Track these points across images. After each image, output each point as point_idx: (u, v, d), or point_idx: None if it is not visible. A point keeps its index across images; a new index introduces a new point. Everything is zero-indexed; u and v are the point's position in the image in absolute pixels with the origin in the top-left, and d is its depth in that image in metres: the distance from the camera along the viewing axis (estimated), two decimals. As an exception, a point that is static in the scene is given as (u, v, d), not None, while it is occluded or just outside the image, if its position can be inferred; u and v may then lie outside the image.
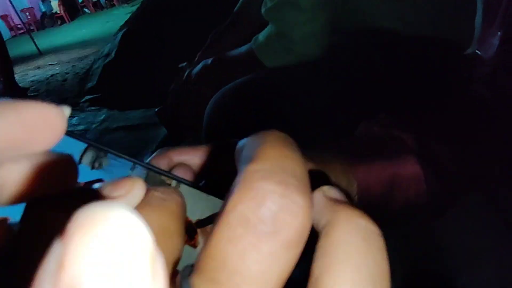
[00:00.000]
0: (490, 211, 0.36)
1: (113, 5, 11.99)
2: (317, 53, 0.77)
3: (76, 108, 3.48)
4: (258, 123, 0.77)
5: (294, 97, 0.79)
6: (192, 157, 0.27)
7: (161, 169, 0.25)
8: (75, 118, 2.74)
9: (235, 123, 0.77)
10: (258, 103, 0.77)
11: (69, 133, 0.24)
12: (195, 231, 0.24)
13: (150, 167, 0.25)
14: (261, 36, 0.81)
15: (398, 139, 0.31)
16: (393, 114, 0.35)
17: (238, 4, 1.16)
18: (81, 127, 2.51)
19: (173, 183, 0.25)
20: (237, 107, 0.77)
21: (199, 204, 0.25)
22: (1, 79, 1.91)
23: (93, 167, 0.24)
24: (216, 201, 0.25)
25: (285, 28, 0.76)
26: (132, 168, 0.24)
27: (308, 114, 0.82)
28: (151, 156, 0.27)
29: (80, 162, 0.23)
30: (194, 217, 0.24)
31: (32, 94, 4.62)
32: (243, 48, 0.87)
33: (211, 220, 0.24)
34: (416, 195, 0.30)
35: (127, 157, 0.24)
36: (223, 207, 0.12)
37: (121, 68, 3.75)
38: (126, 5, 11.54)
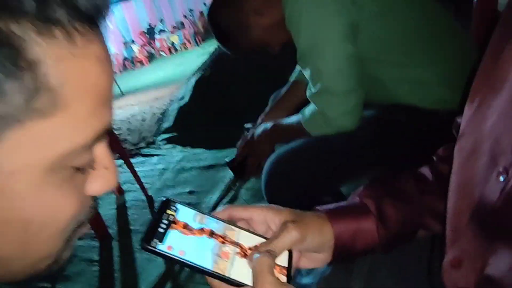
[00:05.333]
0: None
1: (186, 48, 13.05)
2: (350, 126, 1.02)
3: (153, 146, 3.95)
4: (305, 180, 1.03)
5: (333, 158, 1.04)
6: (245, 214, 0.53)
7: (235, 224, 0.52)
8: (155, 158, 3.16)
9: (288, 179, 1.03)
10: (306, 163, 1.03)
11: (185, 204, 0.52)
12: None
13: (230, 223, 0.52)
14: (307, 111, 1.08)
15: (364, 205, 0.55)
16: (366, 187, 0.59)
17: (293, 74, 1.45)
18: (160, 166, 2.90)
19: (236, 229, 0.52)
20: (288, 167, 1.04)
21: (254, 242, 0.51)
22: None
23: (195, 221, 0.51)
24: (261, 239, 0.52)
25: (324, 109, 1.01)
26: (217, 223, 0.52)
27: (344, 172, 1.07)
28: (218, 210, 0.54)
29: (200, 222, 0.50)
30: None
31: (116, 133, 5.24)
32: (294, 119, 1.14)
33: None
34: (371, 242, 0.53)
35: (221, 219, 0.52)
36: None
37: (194, 111, 4.18)
38: (197, 47, 12.55)
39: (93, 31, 0.28)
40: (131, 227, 2.21)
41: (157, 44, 13.78)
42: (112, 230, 2.26)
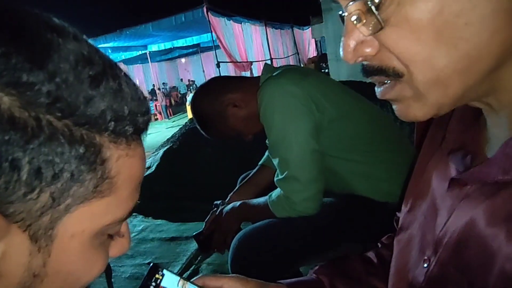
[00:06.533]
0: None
1: (156, 119, 13.30)
2: (311, 211, 1.15)
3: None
4: (269, 258, 1.12)
5: (295, 240, 1.15)
6: (216, 283, 0.62)
7: None
8: (116, 226, 3.13)
9: (253, 257, 1.12)
10: (270, 243, 1.14)
11: (170, 271, 0.61)
12: None
13: None
14: (274, 194, 1.20)
15: (320, 280, 0.66)
16: (323, 265, 0.70)
17: (263, 158, 1.59)
18: (121, 235, 2.88)
19: None
20: (254, 245, 1.13)
21: None
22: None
23: (178, 285, 0.60)
24: None
25: (289, 194, 1.14)
26: None
27: (304, 253, 1.18)
28: (195, 278, 0.62)
29: None
30: None
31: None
32: (261, 200, 1.25)
33: None
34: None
35: (200, 286, 0.61)
36: None
37: (160, 182, 4.21)
38: (167, 120, 12.83)
39: (139, 138, 0.40)
40: (85, 297, 2.15)
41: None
42: (64, 299, 2.18)
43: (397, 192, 1.21)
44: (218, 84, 1.37)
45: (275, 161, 1.19)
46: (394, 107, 0.47)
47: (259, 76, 1.34)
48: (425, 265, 0.54)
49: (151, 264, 0.61)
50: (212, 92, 1.33)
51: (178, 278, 0.61)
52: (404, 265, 0.60)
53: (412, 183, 0.65)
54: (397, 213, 0.76)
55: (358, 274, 0.69)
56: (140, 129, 0.38)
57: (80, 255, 0.37)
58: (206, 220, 1.45)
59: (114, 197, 0.37)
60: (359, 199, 1.22)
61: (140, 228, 2.94)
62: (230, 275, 0.63)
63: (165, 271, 0.60)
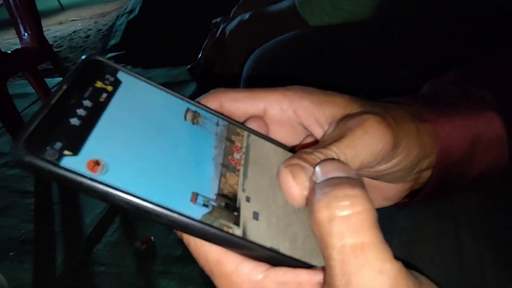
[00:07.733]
0: None
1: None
2: (365, 12, 0.74)
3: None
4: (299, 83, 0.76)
5: (338, 56, 0.77)
6: (251, 106, 0.27)
7: (239, 123, 0.27)
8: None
9: (276, 83, 0.75)
10: (300, 62, 0.75)
11: (171, 92, 0.27)
12: None
13: (233, 121, 0.27)
14: (305, -8, 0.78)
15: (476, 96, 0.29)
16: (464, 71, 0.33)
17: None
18: (106, 84, 2.52)
19: (245, 133, 0.27)
20: (278, 66, 0.75)
21: (267, 153, 0.26)
22: (29, 32, 1.91)
23: (193, 123, 0.25)
24: (279, 151, 0.27)
25: (333, -18, 0.72)
26: (217, 124, 0.26)
27: (354, 75, 0.80)
28: (202, 96, 0.28)
29: (185, 119, 0.25)
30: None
31: (55, 50, 4.64)
32: (285, 4, 0.84)
33: None
34: (497, 159, 0.28)
35: (215, 112, 0.27)
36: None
37: (145, 25, 3.72)
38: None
39: None
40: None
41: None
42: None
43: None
44: None
45: None
46: None
47: None
48: None
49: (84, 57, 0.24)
50: None
51: (157, 89, 0.25)
52: None
53: None
54: None
55: None
56: None
57: None
58: (203, 46, 1.06)
59: None
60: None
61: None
62: (284, 88, 0.26)
63: (122, 74, 0.23)
